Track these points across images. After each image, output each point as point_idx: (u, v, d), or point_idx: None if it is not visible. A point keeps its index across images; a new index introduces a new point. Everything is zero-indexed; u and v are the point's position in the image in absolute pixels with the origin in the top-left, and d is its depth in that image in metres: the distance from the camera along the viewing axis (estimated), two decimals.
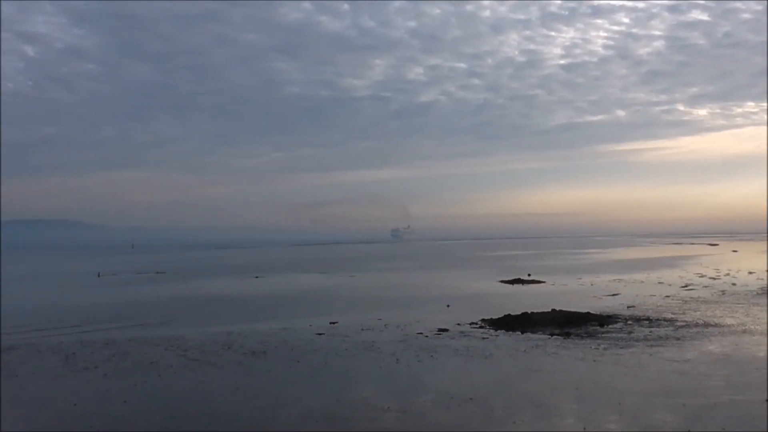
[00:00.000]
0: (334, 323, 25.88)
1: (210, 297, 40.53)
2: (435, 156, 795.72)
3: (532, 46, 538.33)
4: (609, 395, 13.82)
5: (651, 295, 34.03)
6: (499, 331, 22.92)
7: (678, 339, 20.49)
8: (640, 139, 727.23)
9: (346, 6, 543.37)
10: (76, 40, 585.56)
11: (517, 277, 48.74)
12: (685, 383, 14.74)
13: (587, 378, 15.48)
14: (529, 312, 25.19)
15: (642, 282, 43.90)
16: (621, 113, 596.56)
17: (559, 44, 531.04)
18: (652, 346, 19.38)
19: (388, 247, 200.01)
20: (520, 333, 22.33)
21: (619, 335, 21.44)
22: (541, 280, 47.20)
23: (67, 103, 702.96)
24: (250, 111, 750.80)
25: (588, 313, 25.69)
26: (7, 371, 17.78)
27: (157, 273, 70.38)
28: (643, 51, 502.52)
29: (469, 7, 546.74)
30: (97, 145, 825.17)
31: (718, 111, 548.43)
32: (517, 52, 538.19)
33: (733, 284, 40.23)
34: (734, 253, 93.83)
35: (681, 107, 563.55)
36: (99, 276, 65.92)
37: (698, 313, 26.70)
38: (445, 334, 22.53)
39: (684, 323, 23.79)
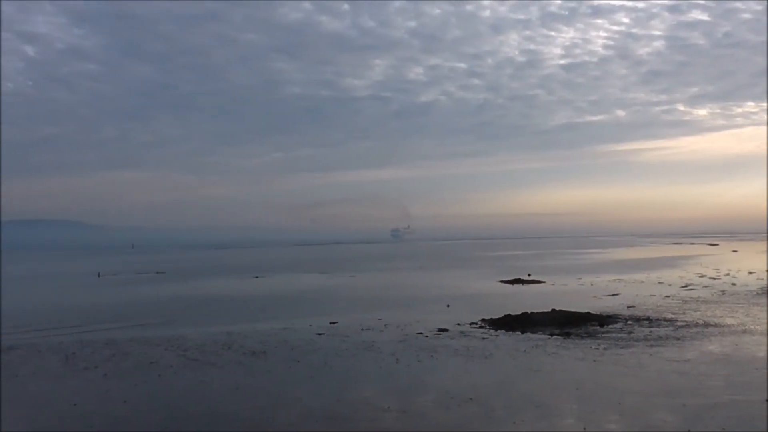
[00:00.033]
0: (334, 323, 25.89)
1: (210, 297, 40.54)
2: (435, 156, 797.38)
3: (532, 46, 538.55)
4: (609, 395, 13.83)
5: (651, 295, 34.04)
6: (499, 331, 22.93)
7: (678, 339, 20.51)
8: (640, 139, 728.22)
9: (346, 6, 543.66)
10: (77, 40, 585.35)
11: (517, 277, 48.76)
12: (685, 383, 14.75)
13: (587, 378, 15.49)
14: (529, 312, 25.20)
15: (642, 282, 43.91)
16: (621, 113, 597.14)
17: (559, 44, 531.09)
18: (652, 346, 19.39)
19: (388, 247, 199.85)
20: (520, 333, 22.34)
21: (619, 335, 21.45)
22: (541, 280, 47.21)
23: (67, 103, 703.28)
24: (250, 111, 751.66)
25: (588, 313, 25.70)
26: (7, 371, 17.79)
27: (157, 273, 70.39)
28: (643, 51, 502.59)
29: (469, 7, 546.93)
30: (98, 145, 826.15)
31: (718, 111, 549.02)
32: (517, 52, 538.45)
33: (733, 284, 40.25)
34: (734, 253, 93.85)
35: (681, 107, 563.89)
36: (99, 276, 65.93)
37: (698, 313, 26.71)
38: (445, 334, 22.54)
39: (684, 323, 23.80)
